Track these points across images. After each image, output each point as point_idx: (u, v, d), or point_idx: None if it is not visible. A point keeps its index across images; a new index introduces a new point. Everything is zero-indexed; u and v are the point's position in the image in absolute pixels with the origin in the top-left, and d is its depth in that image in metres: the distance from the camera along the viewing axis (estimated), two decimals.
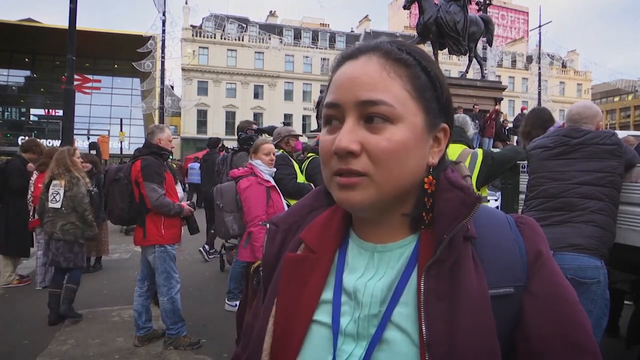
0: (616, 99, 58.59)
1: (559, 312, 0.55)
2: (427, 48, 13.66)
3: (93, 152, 8.43)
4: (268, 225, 0.73)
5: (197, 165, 12.58)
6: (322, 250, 0.64)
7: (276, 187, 3.36)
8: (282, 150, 4.23)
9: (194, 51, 35.51)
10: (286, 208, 3.26)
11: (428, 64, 0.60)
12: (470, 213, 0.56)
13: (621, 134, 3.86)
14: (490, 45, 13.66)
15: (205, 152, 8.44)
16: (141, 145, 3.76)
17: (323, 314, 0.61)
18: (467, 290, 0.53)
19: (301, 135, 4.97)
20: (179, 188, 3.79)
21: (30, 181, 5.29)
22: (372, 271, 0.61)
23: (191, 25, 36.43)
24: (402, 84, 0.58)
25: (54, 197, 4.18)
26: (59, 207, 4.15)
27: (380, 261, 0.62)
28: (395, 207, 0.61)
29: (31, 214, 5.26)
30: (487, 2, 13.90)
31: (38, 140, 6.43)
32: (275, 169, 3.48)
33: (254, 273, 3.22)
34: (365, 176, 0.56)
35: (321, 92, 18.66)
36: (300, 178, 4.10)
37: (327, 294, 0.62)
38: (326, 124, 0.61)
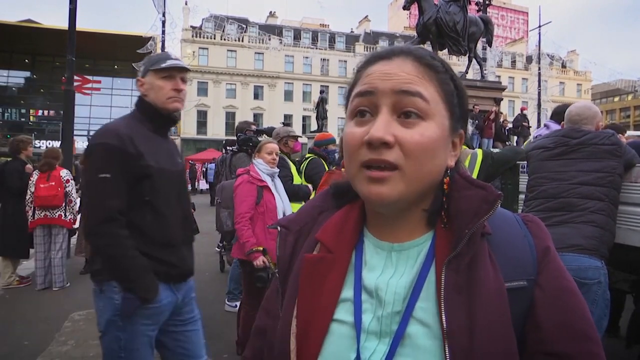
0: (616, 99, 58.61)
1: (566, 305, 0.59)
2: (426, 48, 13.66)
3: None
4: (279, 228, 0.74)
5: (213, 165, 15.21)
6: (339, 250, 0.65)
7: (270, 187, 3.34)
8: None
9: (193, 52, 35.51)
10: (279, 208, 3.27)
11: (454, 74, 0.65)
12: (491, 209, 0.59)
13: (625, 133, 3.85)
14: (490, 45, 13.62)
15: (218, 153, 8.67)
16: None
17: (343, 313, 0.62)
18: (485, 284, 0.56)
19: (300, 137, 4.94)
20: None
21: (31, 181, 5.28)
22: (391, 269, 0.63)
23: (191, 26, 36.45)
24: (434, 86, 0.61)
25: None
26: None
27: (399, 259, 0.63)
28: (415, 205, 0.63)
29: (30, 214, 5.24)
30: (487, 2, 13.92)
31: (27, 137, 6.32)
32: (277, 170, 3.49)
33: (248, 268, 3.21)
34: (396, 170, 0.57)
35: (321, 92, 18.67)
36: (297, 179, 4.10)
37: (347, 293, 0.63)
38: (354, 116, 0.62)
